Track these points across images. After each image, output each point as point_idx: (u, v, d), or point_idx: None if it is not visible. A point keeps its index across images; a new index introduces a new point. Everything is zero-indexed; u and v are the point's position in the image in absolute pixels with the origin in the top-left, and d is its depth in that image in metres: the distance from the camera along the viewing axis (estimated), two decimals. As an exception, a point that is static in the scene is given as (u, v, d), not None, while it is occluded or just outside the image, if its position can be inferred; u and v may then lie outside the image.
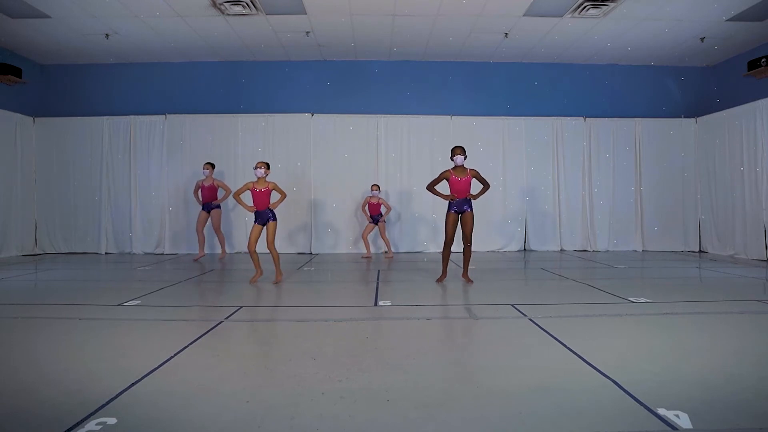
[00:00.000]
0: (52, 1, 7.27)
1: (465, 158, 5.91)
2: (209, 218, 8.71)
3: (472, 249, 6.09)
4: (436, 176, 6.01)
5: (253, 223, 6.08)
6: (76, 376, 2.76)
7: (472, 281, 5.98)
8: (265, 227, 6.02)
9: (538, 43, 9.24)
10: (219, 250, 9.21)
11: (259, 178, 5.99)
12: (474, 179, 5.96)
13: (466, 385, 2.66)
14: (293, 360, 3.04)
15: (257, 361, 3.16)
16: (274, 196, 6.21)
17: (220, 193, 8.84)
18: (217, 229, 8.78)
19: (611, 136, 10.19)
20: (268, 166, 6.08)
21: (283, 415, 2.24)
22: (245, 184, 6.04)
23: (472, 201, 5.97)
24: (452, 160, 5.92)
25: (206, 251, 9.20)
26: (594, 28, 8.46)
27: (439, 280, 6.04)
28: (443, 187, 6.10)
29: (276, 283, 5.98)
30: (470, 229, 5.91)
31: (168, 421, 2.21)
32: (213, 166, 8.79)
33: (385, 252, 9.35)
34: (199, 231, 8.71)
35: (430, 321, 4.14)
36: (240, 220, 9.81)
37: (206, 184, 8.64)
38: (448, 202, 5.94)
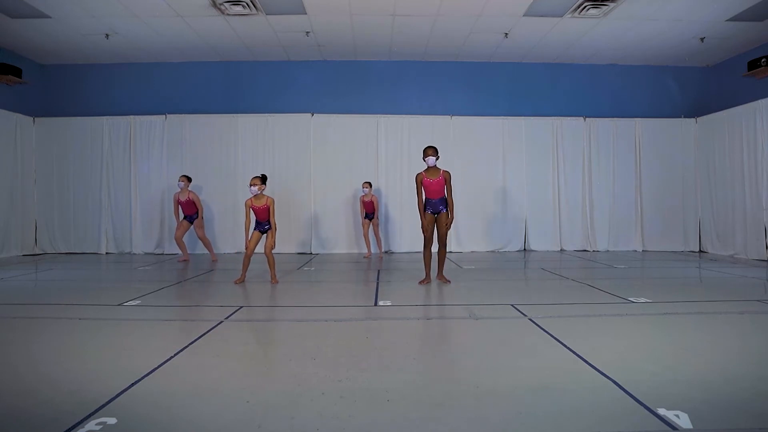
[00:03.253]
0: (52, 1, 7.27)
1: (437, 158, 5.79)
2: (190, 227, 8.45)
3: (447, 249, 5.99)
4: (416, 187, 5.85)
5: (252, 229, 6.04)
6: (76, 376, 2.76)
7: (449, 281, 5.91)
8: (265, 234, 6.05)
9: (538, 43, 9.24)
10: (204, 253, 9.10)
11: (255, 195, 5.93)
12: (445, 181, 5.77)
13: (466, 385, 2.66)
14: (293, 360, 3.03)
15: (257, 361, 3.16)
16: None
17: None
18: (202, 237, 8.48)
19: (611, 136, 10.19)
20: (262, 180, 5.95)
21: (283, 415, 2.24)
22: (245, 205, 5.96)
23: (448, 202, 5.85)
24: (424, 161, 5.79)
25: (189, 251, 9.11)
26: (594, 28, 8.46)
27: (423, 282, 5.90)
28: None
29: (275, 283, 6.01)
30: (445, 231, 5.81)
31: (168, 421, 2.21)
32: (189, 179, 8.43)
33: (379, 252, 9.30)
34: (179, 239, 8.43)
35: (430, 321, 4.14)
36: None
37: (182, 199, 8.29)
38: (423, 201, 5.84)
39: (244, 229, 6.08)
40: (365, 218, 8.94)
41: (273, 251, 6.09)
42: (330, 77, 10.33)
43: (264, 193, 6.00)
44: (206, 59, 10.06)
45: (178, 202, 8.40)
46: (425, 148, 5.86)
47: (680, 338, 3.58)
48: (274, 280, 6.07)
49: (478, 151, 10.02)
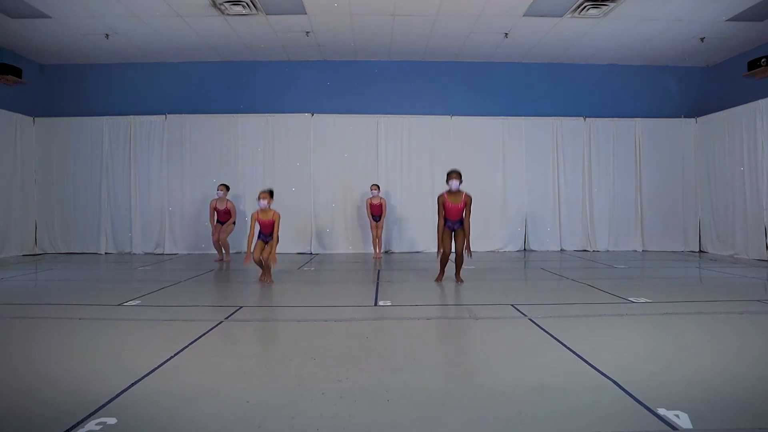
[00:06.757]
0: (52, 1, 7.27)
1: (460, 183, 5.77)
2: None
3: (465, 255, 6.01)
4: (437, 207, 5.85)
5: (256, 239, 6.05)
6: (76, 376, 2.76)
7: (462, 281, 5.98)
8: (267, 244, 6.06)
9: (538, 43, 9.24)
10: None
11: (262, 209, 5.96)
12: (465, 205, 5.79)
13: (466, 385, 2.66)
14: (293, 360, 3.03)
15: (257, 361, 3.16)
16: None
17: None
18: (224, 241, 8.49)
19: (611, 136, 10.20)
20: (271, 194, 6.02)
21: (283, 415, 2.24)
22: (252, 217, 6.03)
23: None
24: (447, 184, 5.81)
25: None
26: (594, 28, 8.46)
27: (437, 279, 6.07)
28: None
29: (270, 283, 6.02)
30: (462, 245, 5.86)
31: (168, 421, 2.21)
32: (227, 187, 8.53)
33: (377, 253, 9.15)
34: (215, 242, 8.49)
35: (430, 321, 4.14)
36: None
37: (220, 207, 8.39)
38: (443, 218, 5.83)
39: (247, 241, 6.08)
40: (373, 220, 8.90)
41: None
42: (330, 77, 10.33)
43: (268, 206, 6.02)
44: (206, 59, 10.06)
45: (214, 209, 8.46)
46: (449, 172, 5.84)
47: (680, 338, 3.58)
48: (269, 280, 6.09)
49: (478, 151, 10.03)
